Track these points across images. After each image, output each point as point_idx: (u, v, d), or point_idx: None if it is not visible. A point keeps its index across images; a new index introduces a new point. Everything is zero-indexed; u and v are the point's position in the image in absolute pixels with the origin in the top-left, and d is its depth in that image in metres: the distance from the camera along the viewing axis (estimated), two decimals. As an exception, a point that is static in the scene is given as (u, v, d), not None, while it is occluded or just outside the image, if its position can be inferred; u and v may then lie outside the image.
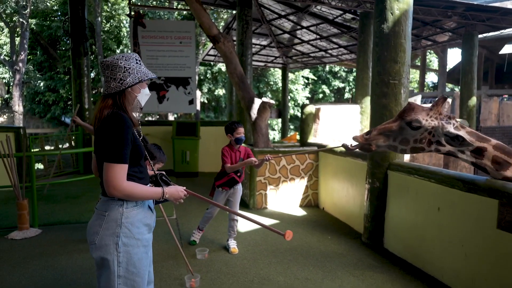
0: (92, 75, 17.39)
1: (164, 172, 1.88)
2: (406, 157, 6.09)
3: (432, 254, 3.03)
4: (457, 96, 9.46)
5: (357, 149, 2.68)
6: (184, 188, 1.76)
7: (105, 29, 17.62)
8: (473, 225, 2.61)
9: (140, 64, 1.65)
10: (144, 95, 1.69)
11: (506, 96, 14.48)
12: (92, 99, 8.65)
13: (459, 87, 8.55)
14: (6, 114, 17.96)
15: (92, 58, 16.59)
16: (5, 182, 4.34)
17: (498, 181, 2.47)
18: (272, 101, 5.25)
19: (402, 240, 3.44)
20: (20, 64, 15.91)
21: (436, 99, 2.57)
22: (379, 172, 3.66)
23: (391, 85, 3.54)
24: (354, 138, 2.66)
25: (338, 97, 23.61)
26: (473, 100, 7.88)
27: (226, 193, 3.52)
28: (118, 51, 17.66)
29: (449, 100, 11.15)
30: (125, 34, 17.85)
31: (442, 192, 2.91)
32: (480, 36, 8.80)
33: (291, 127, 20.59)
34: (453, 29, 8.84)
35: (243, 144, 3.58)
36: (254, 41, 10.99)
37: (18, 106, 15.66)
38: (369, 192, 3.77)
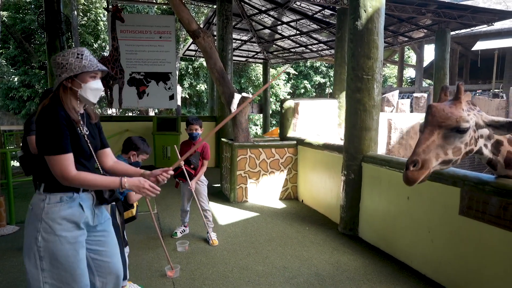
0: (69, 70, 16.96)
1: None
2: (382, 150, 6.30)
3: (402, 241, 3.20)
4: (432, 91, 9.79)
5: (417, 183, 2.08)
6: (145, 180, 1.72)
7: (82, 23, 17.17)
8: (438, 212, 2.78)
9: (81, 58, 1.62)
10: (88, 89, 1.66)
11: (480, 91, 15.05)
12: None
13: (433, 82, 8.86)
14: (-21, 111, 17.32)
15: (69, 53, 16.17)
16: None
17: (460, 171, 2.64)
18: (251, 96, 5.31)
19: (375, 229, 3.59)
20: (-8, 59, 15.33)
21: (443, 86, 2.21)
22: (354, 164, 3.80)
23: (365, 80, 3.67)
24: (410, 182, 2.08)
25: (319, 92, 23.90)
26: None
27: (187, 184, 3.57)
28: (95, 45, 17.26)
29: (425, 95, 11.51)
30: (103, 28, 17.45)
31: (411, 182, 3.06)
32: (453, 33, 9.12)
33: (273, 122, 20.73)
34: (427, 26, 9.13)
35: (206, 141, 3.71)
36: (234, 36, 10.99)
37: (-9, 102, 15.11)
38: (344, 184, 3.91)
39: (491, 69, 13.69)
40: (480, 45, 13.47)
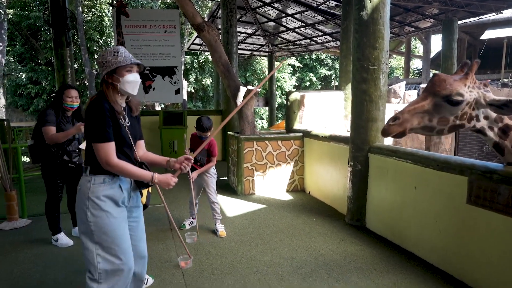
0: (76, 66, 17.07)
1: (144, 162, 1.99)
2: (388, 141, 6.27)
3: (409, 230, 3.21)
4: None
5: (392, 136, 2.27)
6: (172, 175, 1.95)
7: (87, 19, 17.23)
8: (445, 202, 2.78)
9: (116, 55, 1.82)
10: (126, 82, 1.83)
11: (489, 81, 14.82)
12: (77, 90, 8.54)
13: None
14: (-12, 108, 17.54)
15: (75, 49, 16.27)
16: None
17: (468, 160, 2.64)
18: (257, 89, 5.32)
19: (382, 220, 3.61)
20: (0, 56, 15.49)
21: (464, 63, 2.20)
22: (361, 155, 3.80)
23: (371, 70, 3.65)
24: (385, 133, 2.25)
25: (325, 85, 23.76)
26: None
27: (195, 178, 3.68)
28: (101, 41, 17.33)
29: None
30: (108, 23, 17.50)
31: (418, 172, 3.06)
32: (460, 22, 8.98)
33: (279, 115, 20.70)
34: (434, 15, 9.00)
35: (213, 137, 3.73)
36: (239, 29, 10.95)
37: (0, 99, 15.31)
38: (351, 175, 3.91)
39: (500, 59, 13.47)
40: (488, 34, 13.25)
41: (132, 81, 1.85)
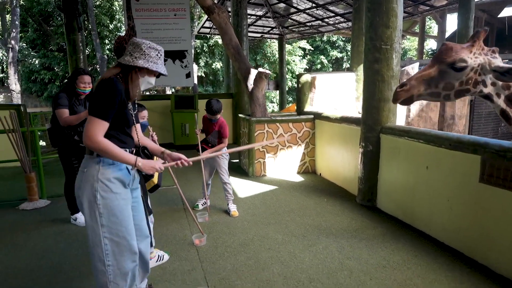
0: (87, 52, 17.17)
1: (147, 147, 2.04)
2: (401, 122, 6.21)
3: (421, 210, 3.23)
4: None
5: (399, 103, 2.45)
6: (162, 162, 1.96)
7: (97, 3, 17.21)
8: (458, 181, 2.78)
9: (159, 58, 1.85)
10: (146, 82, 1.89)
11: (506, 60, 14.38)
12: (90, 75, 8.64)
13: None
14: (3, 94, 17.90)
15: (85, 34, 16.32)
16: (10, 157, 4.49)
17: (481, 138, 2.62)
18: (268, 71, 5.31)
19: (393, 199, 3.62)
20: (13, 42, 15.67)
21: (476, 31, 2.30)
22: (372, 136, 3.80)
23: (383, 50, 3.60)
24: (393, 99, 2.44)
25: (336, 67, 23.40)
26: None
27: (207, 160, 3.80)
28: (111, 26, 17.34)
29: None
30: (118, 8, 17.46)
31: (430, 152, 3.06)
32: (477, -1, 8.67)
33: (289, 99, 20.56)
34: (450, -8, 8.70)
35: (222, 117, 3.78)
36: (249, 11, 10.79)
37: (15, 85, 15.58)
38: (362, 156, 3.92)
39: (519, 37, 13.01)
40: (507, 12, 12.76)
41: (150, 84, 1.92)
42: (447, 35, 17.28)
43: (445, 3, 9.76)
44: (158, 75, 1.93)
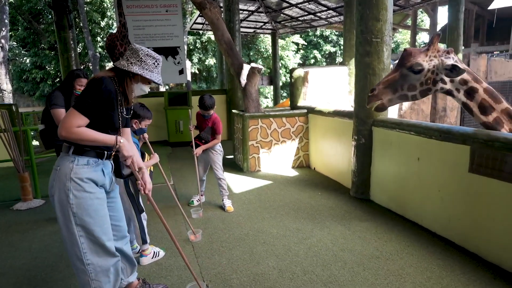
0: (79, 49, 17.00)
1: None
2: (393, 116, 6.26)
3: (413, 201, 3.27)
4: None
5: (374, 110, 2.81)
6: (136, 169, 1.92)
7: (87, 0, 17.02)
8: (448, 171, 2.82)
9: (156, 66, 1.86)
10: (139, 88, 1.89)
11: (497, 52, 14.49)
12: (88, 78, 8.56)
13: (445, 44, 8.58)
14: (-6, 94, 17.67)
15: (77, 32, 16.15)
16: (3, 157, 4.46)
17: (470, 129, 2.66)
18: (261, 66, 5.31)
19: (386, 191, 3.67)
20: (3, 41, 15.46)
21: (432, 36, 2.64)
22: (365, 129, 3.83)
23: (374, 43, 3.63)
24: (369, 104, 2.78)
25: (330, 62, 23.42)
26: (459, 57, 7.95)
27: (203, 154, 3.81)
28: (103, 23, 17.17)
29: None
30: (109, 5, 17.28)
31: (421, 143, 3.10)
32: (468, -9, 8.71)
33: (284, 94, 20.57)
34: (441, -15, 8.73)
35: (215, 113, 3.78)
36: (241, 6, 10.76)
37: (6, 84, 15.40)
38: (355, 149, 3.96)
39: (509, 29, 13.11)
40: (496, 3, 12.84)
41: (142, 91, 1.92)
42: (438, 27, 17.35)
43: (436, -5, 9.79)
44: (113, 53, 1.91)
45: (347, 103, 6.44)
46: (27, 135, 4.34)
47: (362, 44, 3.69)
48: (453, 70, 2.49)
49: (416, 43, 20.99)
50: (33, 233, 3.38)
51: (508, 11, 13.44)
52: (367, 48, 3.65)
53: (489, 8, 13.28)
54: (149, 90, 2.00)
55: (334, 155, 4.75)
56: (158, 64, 1.87)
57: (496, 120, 2.53)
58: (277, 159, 5.47)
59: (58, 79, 16.83)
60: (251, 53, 19.76)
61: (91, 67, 16.38)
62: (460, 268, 2.47)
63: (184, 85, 13.79)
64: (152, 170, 2.92)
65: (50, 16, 16.13)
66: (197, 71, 19.28)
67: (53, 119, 3.19)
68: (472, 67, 9.79)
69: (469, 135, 2.60)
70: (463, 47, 8.76)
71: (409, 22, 19.31)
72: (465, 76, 2.53)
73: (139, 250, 2.79)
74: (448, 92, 2.63)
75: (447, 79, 2.56)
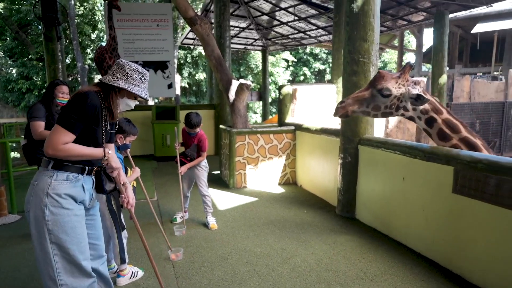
0: (68, 61, 16.88)
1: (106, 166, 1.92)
2: (380, 134, 6.31)
3: (398, 220, 3.25)
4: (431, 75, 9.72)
5: (338, 117, 3.05)
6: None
7: (79, 12, 17.02)
8: (432, 191, 2.82)
9: (142, 81, 1.84)
10: (124, 103, 1.86)
11: (480, 74, 14.93)
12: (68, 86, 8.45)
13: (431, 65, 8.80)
14: (-22, 104, 17.32)
15: (66, 43, 16.07)
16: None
17: (453, 150, 2.67)
18: (249, 82, 5.32)
19: (371, 210, 3.65)
20: (-10, 51, 15.27)
21: (404, 66, 2.86)
22: (351, 147, 3.83)
23: (361, 63, 3.67)
24: (336, 114, 3.01)
25: (319, 79, 23.75)
26: (444, 78, 8.14)
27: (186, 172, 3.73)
28: (93, 36, 17.14)
29: (424, 79, 11.44)
30: (100, 18, 17.30)
31: (406, 163, 3.10)
32: (452, 15, 9.01)
33: (273, 110, 20.69)
34: (426, 8, 9.00)
35: (201, 130, 3.74)
36: (232, 23, 10.89)
37: (-10, 94, 15.12)
38: (342, 167, 3.94)
39: (491, 52, 13.56)
40: (479, 28, 13.31)
41: (129, 106, 1.89)
42: (424, 48, 17.84)
43: (422, 18, 10.10)
44: (101, 65, 1.86)
45: (335, 121, 6.48)
46: (6, 147, 4.21)
47: (349, 64, 3.73)
48: (418, 99, 2.70)
49: (403, 63, 21.49)
50: (5, 251, 3.23)
51: (490, 35, 13.94)
52: (354, 67, 3.69)
53: (472, 31, 13.75)
54: (137, 103, 1.95)
55: (321, 172, 4.74)
56: (144, 79, 1.85)
57: (455, 147, 2.74)
58: (263, 175, 5.42)
59: (44, 90, 16.61)
60: (242, 69, 19.92)
61: (79, 79, 16.24)
62: (444, 290, 2.44)
63: (173, 98, 13.76)
64: (135, 185, 2.84)
65: (40, 27, 16.04)
66: (187, 85, 19.29)
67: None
68: (456, 88, 10.04)
69: (452, 156, 2.61)
70: (447, 68, 8.99)
71: (396, 42, 19.83)
72: (426, 106, 2.75)
73: (117, 269, 2.68)
74: (411, 119, 2.86)
75: (410, 107, 2.79)
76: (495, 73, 12.70)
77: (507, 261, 2.26)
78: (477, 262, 2.46)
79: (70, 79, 17.36)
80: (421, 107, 2.76)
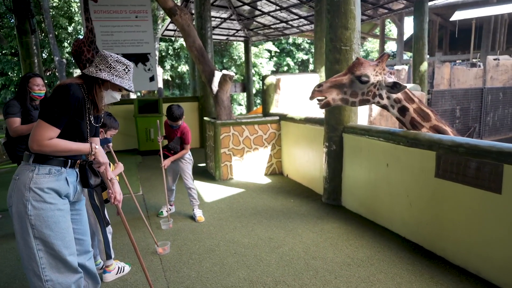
0: (45, 55, 16.34)
1: (93, 161, 1.87)
2: (363, 122, 6.37)
3: (382, 206, 3.30)
4: (412, 63, 9.85)
5: (320, 107, 3.01)
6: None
7: (54, 4, 16.43)
8: (416, 177, 2.87)
9: (126, 73, 1.78)
10: (109, 96, 1.81)
11: (460, 61, 15.23)
12: (46, 81, 8.17)
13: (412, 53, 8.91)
14: (-49, 102, 16.60)
15: (42, 37, 15.54)
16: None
17: (435, 135, 2.72)
18: (232, 73, 5.27)
19: (357, 197, 3.69)
20: (-40, 46, 14.61)
21: (382, 54, 2.91)
22: (335, 135, 3.85)
23: (343, 51, 3.67)
24: (312, 97, 3.00)
25: (303, 69, 23.79)
26: (424, 66, 8.26)
27: (172, 164, 3.70)
28: (70, 28, 16.62)
29: (406, 67, 11.60)
30: (76, 10, 16.75)
31: (389, 149, 3.14)
32: (431, 3, 9.12)
33: (257, 101, 20.63)
34: (406, -4, 9.09)
35: (184, 123, 3.69)
36: (213, 14, 10.73)
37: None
38: (327, 155, 3.97)
39: (469, 39, 13.84)
40: (458, 15, 13.54)
41: (114, 98, 1.84)
42: (405, 37, 18.06)
43: (402, 6, 10.19)
44: (80, 59, 1.81)
45: (319, 111, 6.50)
46: (-18, 145, 4.06)
47: (331, 52, 3.73)
48: (394, 87, 2.76)
49: (385, 51, 21.70)
50: (-15, 251, 3.13)
51: (468, 22, 14.20)
52: (336, 55, 3.69)
53: (451, 19, 13.97)
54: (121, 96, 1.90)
55: (306, 161, 4.76)
56: (128, 70, 1.79)
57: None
58: (249, 166, 5.41)
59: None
60: (225, 60, 19.73)
61: (57, 74, 15.75)
62: (428, 272, 2.50)
63: (156, 91, 13.54)
64: (118, 180, 2.78)
65: (12, 20, 15.42)
66: (170, 78, 19.00)
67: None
68: (437, 75, 10.21)
69: (434, 141, 2.65)
70: (428, 56, 9.11)
71: (377, 31, 20.00)
72: (399, 95, 2.82)
73: (103, 265, 2.63)
74: (384, 107, 2.92)
75: (385, 95, 2.86)
76: (473, 60, 12.98)
77: (487, 241, 2.33)
78: (459, 244, 2.53)
79: (47, 74, 16.84)
80: (394, 96, 2.83)
